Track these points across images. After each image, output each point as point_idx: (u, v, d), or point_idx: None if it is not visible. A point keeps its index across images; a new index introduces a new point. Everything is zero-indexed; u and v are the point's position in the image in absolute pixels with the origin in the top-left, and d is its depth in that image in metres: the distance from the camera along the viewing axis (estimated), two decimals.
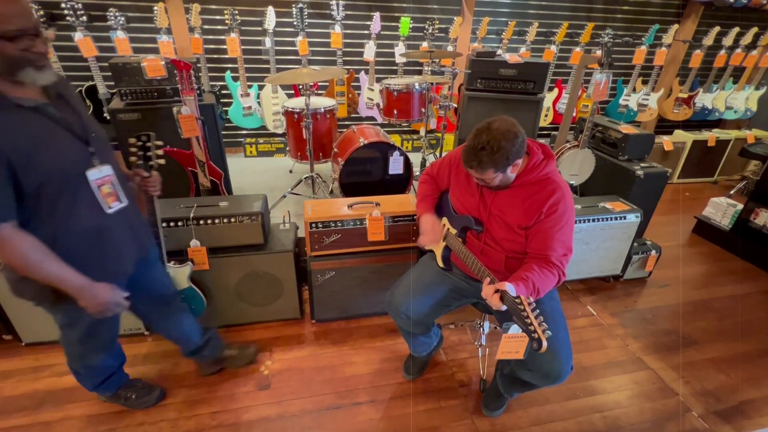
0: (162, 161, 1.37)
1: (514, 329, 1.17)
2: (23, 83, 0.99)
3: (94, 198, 1.13)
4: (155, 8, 3.04)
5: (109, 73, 2.31)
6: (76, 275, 1.10)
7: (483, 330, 1.93)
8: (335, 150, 2.72)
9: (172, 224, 1.77)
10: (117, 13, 2.99)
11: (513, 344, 1.21)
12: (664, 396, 1.85)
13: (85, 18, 2.96)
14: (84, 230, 1.14)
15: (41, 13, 2.93)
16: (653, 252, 2.53)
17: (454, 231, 1.48)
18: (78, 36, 2.95)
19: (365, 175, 2.63)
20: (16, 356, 1.89)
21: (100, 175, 1.14)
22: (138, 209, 1.34)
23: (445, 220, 1.55)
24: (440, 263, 1.56)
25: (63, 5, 2.89)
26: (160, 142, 1.35)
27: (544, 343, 1.03)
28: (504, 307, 1.14)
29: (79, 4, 2.93)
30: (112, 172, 1.18)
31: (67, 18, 2.92)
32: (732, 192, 3.84)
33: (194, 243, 1.79)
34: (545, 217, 1.30)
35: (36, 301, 1.21)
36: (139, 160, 1.32)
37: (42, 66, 1.00)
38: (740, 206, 2.96)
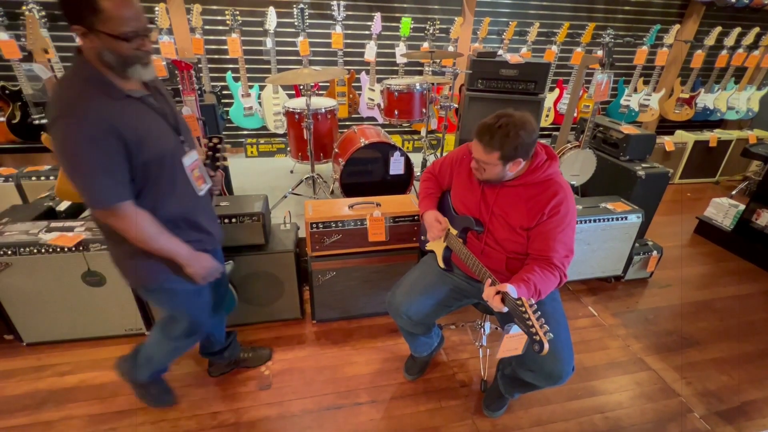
0: (227, 163, 1.45)
1: (515, 329, 1.17)
2: (129, 78, 1.08)
3: (188, 181, 1.24)
4: (156, 8, 3.05)
5: None
6: (184, 246, 1.21)
7: (484, 330, 1.93)
8: (336, 150, 2.72)
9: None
10: None
11: (513, 342, 1.21)
12: (666, 397, 1.84)
13: None
14: (181, 211, 1.23)
15: (43, 13, 2.94)
16: (654, 252, 2.52)
17: (454, 231, 1.47)
18: None
19: (366, 175, 2.63)
20: (17, 356, 1.89)
21: (190, 160, 1.25)
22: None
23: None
24: (441, 264, 1.56)
25: None
26: (228, 145, 1.43)
27: (546, 346, 1.03)
28: (505, 309, 1.14)
29: None
30: (198, 157, 1.30)
31: None
32: (734, 192, 3.83)
33: None
34: (547, 218, 1.30)
35: (148, 286, 1.29)
36: (208, 160, 1.41)
37: (147, 63, 1.08)
38: (742, 207, 2.96)
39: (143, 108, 1.12)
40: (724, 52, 4.16)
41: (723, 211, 3.09)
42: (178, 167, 1.20)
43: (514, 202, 1.35)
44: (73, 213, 2.52)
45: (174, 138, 1.19)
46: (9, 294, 1.78)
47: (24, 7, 2.89)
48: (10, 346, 1.93)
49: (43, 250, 1.70)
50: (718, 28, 3.98)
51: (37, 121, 3.13)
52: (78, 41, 1.02)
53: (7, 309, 1.81)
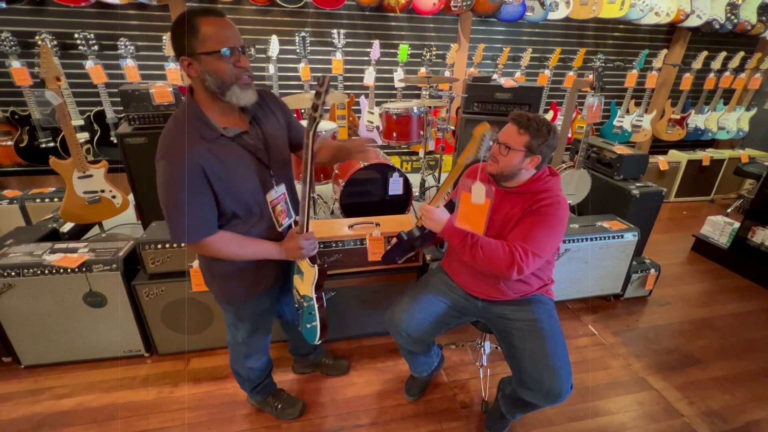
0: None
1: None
2: (227, 108, 1.13)
3: (270, 217, 1.28)
4: (164, 37, 3.17)
5: (118, 99, 2.40)
6: (272, 245, 1.26)
7: (484, 350, 1.92)
8: (336, 171, 2.78)
9: (175, 246, 1.80)
10: (127, 42, 3.12)
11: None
12: (669, 417, 1.82)
13: (96, 47, 3.08)
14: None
15: (54, 42, 3.06)
16: (652, 270, 2.54)
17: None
18: (89, 64, 3.07)
19: (365, 195, 2.67)
20: (14, 378, 1.88)
21: (275, 195, 1.28)
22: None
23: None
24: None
25: (76, 35, 3.03)
26: None
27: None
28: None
29: (92, 34, 3.06)
30: (285, 190, 1.32)
31: (80, 47, 3.05)
32: (729, 210, 3.87)
33: (197, 263, 1.81)
34: (529, 213, 1.36)
35: (224, 300, 1.39)
36: None
37: (246, 84, 1.11)
38: (737, 224, 2.99)
39: (234, 148, 1.15)
40: (711, 75, 4.29)
41: (719, 228, 3.12)
42: (263, 205, 1.24)
43: (512, 206, 1.42)
44: (77, 234, 2.55)
45: (263, 175, 1.22)
46: (10, 316, 1.79)
47: (37, 37, 3.01)
48: (8, 368, 1.92)
49: (46, 272, 1.72)
50: (705, 53, 4.12)
51: (44, 145, 3.20)
52: (186, 77, 1.10)
53: (7, 331, 1.82)
